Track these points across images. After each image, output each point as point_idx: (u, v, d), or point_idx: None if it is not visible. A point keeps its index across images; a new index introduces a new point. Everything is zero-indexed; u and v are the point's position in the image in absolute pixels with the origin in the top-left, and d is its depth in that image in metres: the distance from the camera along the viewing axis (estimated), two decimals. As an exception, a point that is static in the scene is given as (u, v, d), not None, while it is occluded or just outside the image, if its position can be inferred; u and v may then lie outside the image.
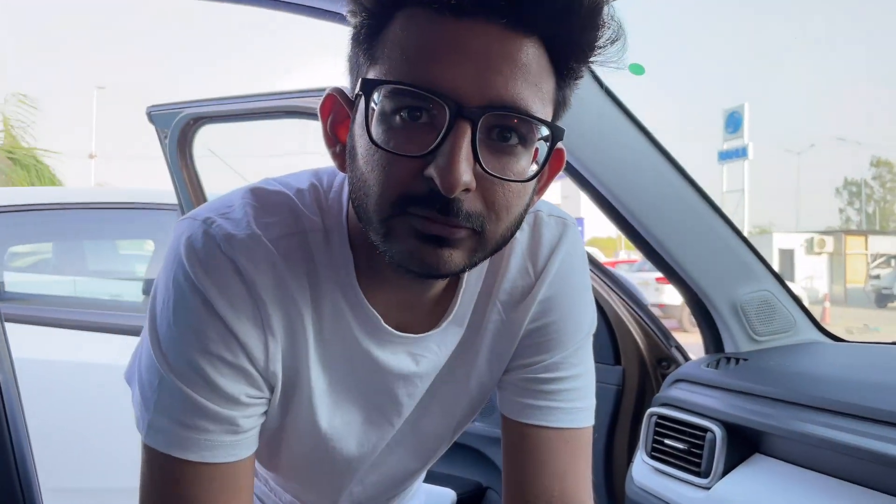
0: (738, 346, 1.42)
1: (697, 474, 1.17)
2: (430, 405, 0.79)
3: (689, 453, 1.21)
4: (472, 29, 0.53)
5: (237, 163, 2.26)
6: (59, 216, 2.78)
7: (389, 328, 0.69)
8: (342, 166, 0.64)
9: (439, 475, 1.83)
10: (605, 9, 0.55)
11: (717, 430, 1.16)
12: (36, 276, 3.33)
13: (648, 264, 1.41)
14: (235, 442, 0.65)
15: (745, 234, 1.36)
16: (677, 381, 1.37)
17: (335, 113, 0.64)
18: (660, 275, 1.43)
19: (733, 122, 25.16)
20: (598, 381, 1.68)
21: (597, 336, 1.67)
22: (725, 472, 1.14)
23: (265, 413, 0.69)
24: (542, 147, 0.59)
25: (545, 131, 0.58)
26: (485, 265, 0.74)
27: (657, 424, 1.30)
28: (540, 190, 0.66)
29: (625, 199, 1.30)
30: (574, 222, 0.80)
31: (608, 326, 1.64)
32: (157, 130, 1.93)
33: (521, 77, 0.54)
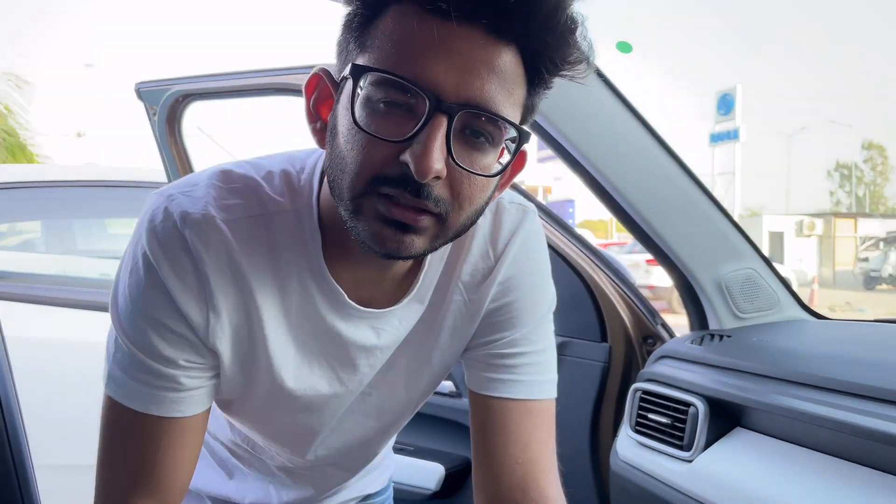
0: (722, 324, 1.44)
1: (680, 447, 1.19)
2: (389, 375, 0.83)
3: (672, 427, 1.23)
4: (458, 32, 0.57)
5: (228, 142, 2.25)
6: (47, 194, 2.76)
7: (353, 303, 0.73)
8: (321, 142, 0.67)
9: (428, 450, 1.85)
10: (580, 29, 0.60)
11: (700, 405, 1.18)
12: (25, 254, 3.31)
13: (639, 246, 1.43)
14: (179, 398, 0.70)
15: (736, 216, 1.38)
16: (662, 357, 1.39)
17: (319, 91, 0.68)
18: (650, 257, 1.45)
19: (725, 104, 25.11)
20: (584, 357, 1.71)
21: (584, 313, 1.70)
22: (707, 445, 1.16)
23: (215, 377, 0.73)
24: (509, 146, 0.64)
25: (513, 133, 0.62)
26: (447, 248, 0.78)
27: (642, 399, 1.32)
28: (502, 186, 0.71)
29: (613, 178, 1.31)
30: (534, 209, 0.83)
31: (595, 304, 1.66)
32: (145, 107, 1.92)
33: (497, 81, 0.59)
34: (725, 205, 1.37)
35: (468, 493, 1.87)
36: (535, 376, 0.83)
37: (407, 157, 0.57)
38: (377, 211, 0.60)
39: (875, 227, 24.73)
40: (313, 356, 0.76)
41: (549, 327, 0.87)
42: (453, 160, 0.59)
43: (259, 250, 0.69)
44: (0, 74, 12.11)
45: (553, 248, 1.66)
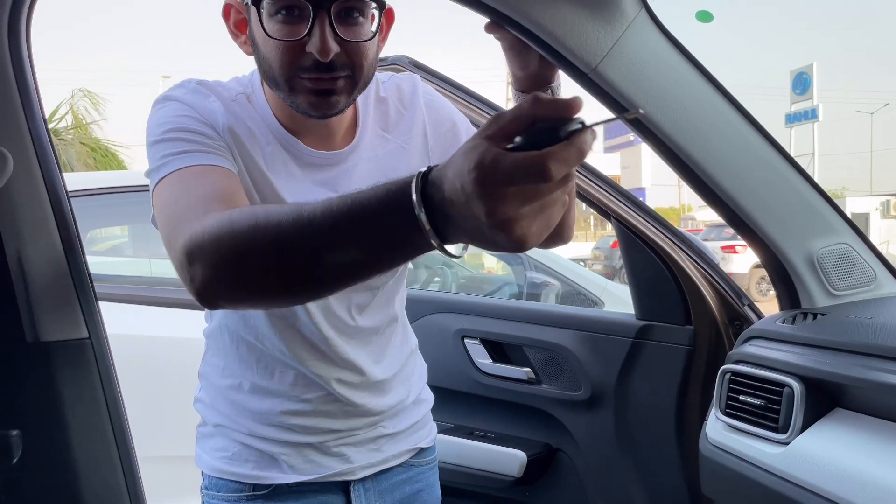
0: (815, 302, 1.37)
1: (775, 430, 1.15)
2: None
3: (765, 409, 1.18)
4: None
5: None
6: (133, 199, 2.88)
7: (305, 146, 0.97)
8: (248, 52, 0.93)
9: (508, 437, 1.85)
10: None
11: (796, 385, 1.13)
12: (115, 258, 3.47)
13: (713, 233, 1.39)
14: (213, 154, 0.90)
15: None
16: (751, 337, 1.34)
17: (234, 13, 0.94)
18: (725, 243, 1.41)
19: (801, 83, 24.09)
20: (667, 341, 1.67)
21: (666, 296, 1.66)
22: (805, 427, 1.11)
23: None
24: (376, 13, 0.90)
25: (374, 5, 0.88)
26: (372, 117, 1.03)
27: (731, 381, 1.28)
28: (382, 39, 0.96)
29: (695, 152, 1.26)
30: (417, 76, 1.09)
31: (677, 285, 1.62)
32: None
33: None
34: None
35: (550, 480, 1.86)
36: None
37: (311, 48, 0.84)
38: (306, 87, 0.87)
39: (970, 206, 23.19)
40: (287, 182, 0.96)
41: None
42: (341, 38, 0.85)
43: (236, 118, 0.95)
44: (76, 91, 12.79)
45: (633, 231, 1.62)
